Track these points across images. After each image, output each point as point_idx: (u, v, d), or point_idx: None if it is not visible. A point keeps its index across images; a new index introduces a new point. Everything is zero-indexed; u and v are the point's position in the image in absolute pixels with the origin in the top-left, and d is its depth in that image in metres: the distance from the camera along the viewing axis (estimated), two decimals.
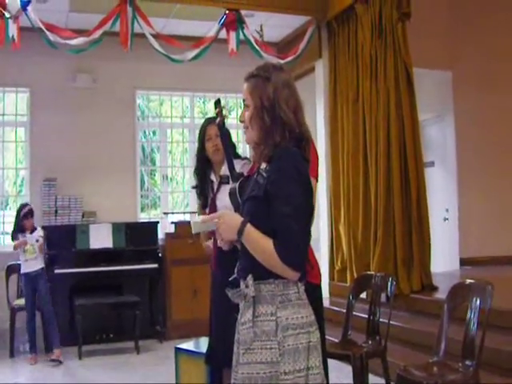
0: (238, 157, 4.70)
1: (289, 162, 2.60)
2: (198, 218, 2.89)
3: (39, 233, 7.79)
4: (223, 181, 4.51)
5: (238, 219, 2.62)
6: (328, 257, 9.12)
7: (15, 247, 7.68)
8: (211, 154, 4.71)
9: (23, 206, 7.90)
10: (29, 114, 9.27)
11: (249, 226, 2.57)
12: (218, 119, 4.56)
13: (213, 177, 4.72)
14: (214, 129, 4.68)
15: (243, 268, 2.66)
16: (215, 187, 4.67)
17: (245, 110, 2.76)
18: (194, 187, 4.84)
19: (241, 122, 2.80)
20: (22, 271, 7.76)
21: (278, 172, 2.58)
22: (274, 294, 2.56)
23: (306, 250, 2.57)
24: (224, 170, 4.62)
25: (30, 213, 7.77)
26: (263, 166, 2.70)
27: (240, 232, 2.57)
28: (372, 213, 7.96)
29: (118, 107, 9.46)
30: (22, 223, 7.72)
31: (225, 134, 4.61)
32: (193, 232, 2.78)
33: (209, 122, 4.81)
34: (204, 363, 4.89)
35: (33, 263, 7.71)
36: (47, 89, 9.10)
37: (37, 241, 7.68)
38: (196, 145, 4.96)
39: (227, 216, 2.67)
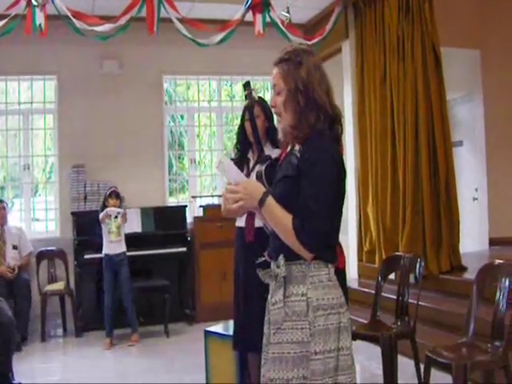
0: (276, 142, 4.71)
1: (322, 144, 2.66)
2: (228, 161, 2.92)
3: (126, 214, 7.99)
4: (259, 160, 4.58)
5: (261, 189, 2.68)
6: (356, 238, 9.15)
7: (101, 220, 7.89)
8: (249, 133, 4.78)
9: (109, 188, 8.17)
10: (57, 101, 9.35)
11: (270, 198, 2.62)
12: (247, 101, 4.63)
13: (250, 155, 4.79)
14: (256, 110, 4.75)
15: (274, 249, 2.71)
16: (251, 165, 4.74)
17: (275, 96, 2.80)
18: (232, 159, 4.89)
19: (272, 107, 2.85)
20: (105, 252, 7.92)
21: (311, 153, 2.63)
22: (305, 275, 2.61)
23: (325, 233, 2.59)
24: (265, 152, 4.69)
25: (114, 193, 7.99)
26: (297, 147, 2.74)
27: (262, 201, 2.62)
28: (400, 194, 7.96)
29: (145, 92, 9.52)
30: (107, 202, 7.96)
31: (254, 116, 4.68)
32: (215, 166, 2.82)
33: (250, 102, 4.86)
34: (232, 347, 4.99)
35: (116, 246, 7.91)
36: (74, 76, 9.17)
37: (116, 217, 7.86)
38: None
39: (249, 185, 2.72)
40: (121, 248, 7.95)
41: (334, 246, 2.74)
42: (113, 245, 7.91)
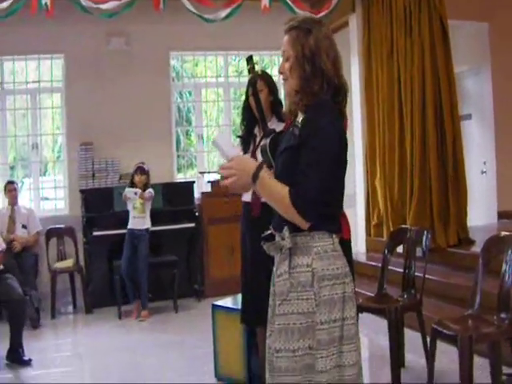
0: (281, 116, 4.72)
1: (324, 114, 2.66)
2: (223, 137, 2.93)
3: (149, 192, 8.07)
4: (266, 134, 4.59)
5: (252, 164, 2.68)
6: (364, 212, 9.17)
7: (123, 199, 8.06)
8: (254, 108, 4.78)
9: (136, 164, 8.27)
10: (64, 80, 9.36)
11: (264, 172, 2.63)
12: (251, 75, 4.63)
13: (256, 130, 4.79)
14: (259, 84, 4.75)
15: (279, 221, 2.71)
16: (257, 140, 4.75)
17: (284, 62, 2.82)
18: (238, 136, 4.91)
19: (280, 73, 2.86)
20: (128, 227, 8.03)
21: (312, 122, 2.65)
22: (310, 246, 2.63)
23: (320, 201, 2.58)
24: (269, 125, 4.69)
25: (139, 169, 8.10)
26: (299, 118, 2.76)
27: (255, 176, 2.61)
28: (408, 167, 7.96)
29: (152, 69, 9.50)
30: (133, 178, 8.10)
31: (257, 91, 4.68)
32: (212, 141, 2.84)
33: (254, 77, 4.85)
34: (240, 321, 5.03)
35: (140, 221, 8.02)
36: (82, 54, 9.16)
37: (135, 193, 7.95)
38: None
39: (241, 161, 2.70)
40: (144, 224, 8.05)
41: (337, 216, 2.75)
42: (136, 220, 8.02)
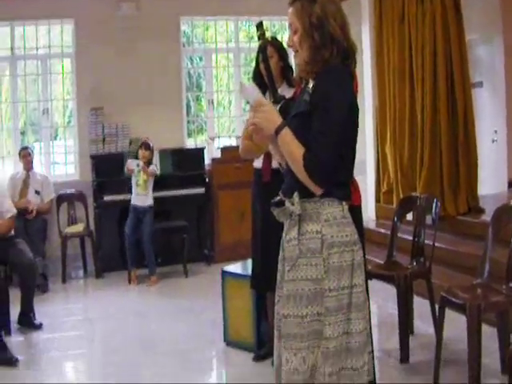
0: (292, 81, 4.69)
1: (335, 79, 2.65)
2: (250, 84, 2.92)
3: (152, 168, 8.13)
4: (276, 100, 4.55)
5: (279, 117, 2.66)
6: (374, 179, 9.14)
7: (127, 172, 8.17)
8: (264, 75, 4.74)
9: (141, 139, 8.40)
10: (74, 45, 9.28)
11: (287, 129, 2.62)
12: (260, 41, 4.59)
13: (267, 96, 4.74)
14: (269, 50, 4.71)
15: (289, 187, 2.71)
16: None
17: (292, 34, 2.78)
18: (248, 103, 4.88)
19: (289, 46, 2.83)
20: (132, 203, 8.09)
21: (322, 88, 2.63)
22: (320, 212, 2.62)
23: (332, 166, 2.58)
24: (280, 90, 4.66)
25: (144, 144, 8.15)
26: (310, 84, 2.73)
27: (278, 130, 2.61)
28: (418, 134, 7.92)
29: (162, 34, 9.42)
30: (137, 153, 8.16)
31: (267, 57, 4.65)
32: (239, 91, 2.85)
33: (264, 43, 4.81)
34: (250, 286, 5.05)
35: (142, 199, 8.07)
36: (92, 19, 9.07)
37: (137, 165, 8.00)
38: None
39: (271, 109, 2.71)
40: (147, 201, 8.08)
41: (347, 183, 2.73)
42: (139, 197, 8.06)
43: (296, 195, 2.62)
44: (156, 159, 8.65)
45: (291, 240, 2.66)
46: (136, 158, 8.13)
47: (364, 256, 2.76)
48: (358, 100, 2.77)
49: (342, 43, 2.69)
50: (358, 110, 2.73)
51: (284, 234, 2.75)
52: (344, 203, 2.67)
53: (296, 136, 2.61)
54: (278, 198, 2.78)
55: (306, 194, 2.61)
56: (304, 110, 2.66)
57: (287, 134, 2.61)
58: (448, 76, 7.58)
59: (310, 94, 2.66)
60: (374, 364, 2.98)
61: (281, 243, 2.79)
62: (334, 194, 2.63)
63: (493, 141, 9.63)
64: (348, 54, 2.73)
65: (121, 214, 8.43)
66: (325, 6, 2.68)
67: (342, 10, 2.76)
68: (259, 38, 4.65)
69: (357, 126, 2.74)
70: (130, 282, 8.00)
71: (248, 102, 3.02)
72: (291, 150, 2.61)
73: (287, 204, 2.68)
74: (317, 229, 2.61)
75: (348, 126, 2.65)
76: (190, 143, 9.98)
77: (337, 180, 2.63)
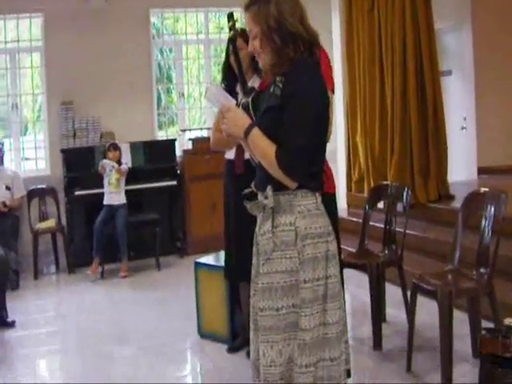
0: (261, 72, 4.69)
1: (305, 73, 2.65)
2: (216, 88, 2.94)
3: (124, 167, 8.16)
4: (246, 92, 4.53)
5: (246, 120, 2.69)
6: (345, 168, 9.21)
7: (100, 171, 8.06)
8: (234, 67, 4.72)
9: (108, 141, 8.46)
10: (43, 39, 9.19)
11: (256, 129, 2.63)
12: (231, 33, 4.58)
13: (238, 88, 4.72)
14: (239, 42, 4.69)
15: (261, 180, 2.72)
16: (239, 99, 4.69)
17: (252, 40, 2.76)
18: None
19: (251, 52, 2.82)
20: (105, 202, 8.08)
21: (293, 82, 2.62)
22: (293, 205, 2.63)
23: (306, 160, 2.60)
24: (251, 82, 4.65)
25: (112, 146, 8.20)
26: (278, 78, 2.71)
27: (247, 133, 2.63)
28: (388, 123, 7.98)
29: (132, 26, 9.37)
30: (106, 155, 8.15)
31: (237, 49, 4.64)
32: (205, 96, 2.87)
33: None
34: (224, 277, 5.06)
35: (115, 197, 8.08)
36: (61, 12, 8.96)
37: (112, 167, 8.00)
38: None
39: (237, 113, 2.73)
40: (120, 199, 8.09)
41: (320, 173, 2.75)
42: (111, 196, 8.06)
43: (269, 188, 2.63)
44: (127, 152, 8.62)
45: (265, 233, 2.67)
46: (104, 157, 8.15)
47: (339, 244, 2.78)
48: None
49: (305, 37, 2.68)
50: (329, 100, 2.75)
51: (257, 228, 2.77)
52: (317, 194, 2.69)
53: (268, 131, 2.62)
54: (250, 189, 2.79)
55: (279, 187, 2.63)
56: (274, 104, 2.64)
57: (257, 135, 2.63)
58: (417, 64, 7.63)
59: (281, 88, 2.65)
60: (349, 353, 3.00)
61: (254, 237, 2.80)
62: (307, 185, 2.65)
63: (462, 128, 9.71)
64: (312, 44, 2.72)
65: (92, 208, 8.35)
66: (279, 3, 2.66)
67: (299, 3, 2.74)
68: (230, 30, 4.64)
69: (328, 116, 2.76)
70: (102, 274, 7.97)
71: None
72: (263, 150, 2.62)
73: (260, 198, 2.70)
74: (290, 221, 2.63)
75: (319, 118, 2.65)
76: (161, 135, 9.96)
77: (310, 171, 2.65)
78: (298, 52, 2.67)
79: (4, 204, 7.96)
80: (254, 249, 2.79)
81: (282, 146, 2.56)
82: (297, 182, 2.60)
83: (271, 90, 2.73)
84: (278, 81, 2.70)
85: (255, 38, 2.73)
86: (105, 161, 8.04)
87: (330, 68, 4.01)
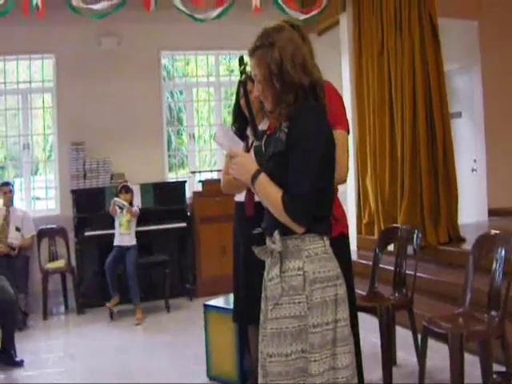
0: None
1: (307, 116, 2.66)
2: (224, 130, 2.98)
3: (135, 209, 8.17)
4: (257, 137, 4.55)
5: (253, 165, 2.71)
6: (355, 210, 9.19)
7: (111, 212, 8.09)
8: (245, 110, 4.74)
9: (120, 183, 8.43)
10: (55, 80, 9.32)
11: (262, 175, 2.66)
12: (243, 76, 4.62)
13: (249, 131, 4.76)
14: (249, 85, 4.72)
15: (269, 224, 2.73)
16: (250, 142, 4.72)
17: (257, 85, 2.80)
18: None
19: (255, 98, 2.87)
20: (115, 243, 8.08)
21: (298, 127, 2.64)
22: (301, 249, 2.64)
23: (313, 205, 2.61)
24: (261, 126, 4.67)
25: (124, 188, 8.21)
26: (284, 123, 2.74)
27: (253, 179, 2.66)
28: (398, 165, 7.98)
29: (143, 68, 9.49)
30: (117, 197, 8.14)
31: (247, 92, 4.67)
32: (213, 139, 2.88)
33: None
34: (232, 320, 5.04)
35: (126, 238, 8.09)
36: (73, 54, 9.12)
37: (121, 208, 8.01)
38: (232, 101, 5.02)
39: (244, 158, 2.76)
40: (130, 241, 8.09)
41: (327, 217, 2.76)
42: (122, 237, 8.08)
43: (277, 233, 2.65)
44: (137, 193, 8.66)
45: (273, 278, 2.68)
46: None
47: (353, 285, 2.77)
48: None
49: (306, 83, 2.70)
50: (335, 143, 2.75)
51: (266, 273, 2.77)
52: (325, 238, 2.70)
53: (274, 176, 2.65)
54: (259, 229, 2.81)
55: (287, 231, 2.64)
56: (281, 149, 2.67)
57: (263, 181, 2.66)
58: (427, 106, 7.67)
59: (286, 132, 2.68)
60: None
61: (263, 282, 2.81)
62: (315, 229, 2.66)
63: (472, 170, 9.73)
64: (315, 89, 2.74)
65: (102, 249, 8.40)
66: (282, 48, 2.69)
67: (301, 46, 2.75)
68: (241, 73, 4.68)
69: (334, 159, 2.76)
70: (111, 315, 7.96)
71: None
72: (269, 196, 2.65)
73: (268, 242, 2.71)
74: (299, 265, 2.63)
75: (324, 162, 2.66)
76: (172, 177, 10.01)
77: (317, 215, 2.66)
78: (300, 98, 2.69)
79: (12, 247, 8.01)
80: (263, 294, 2.80)
81: (287, 192, 2.58)
82: (304, 227, 2.61)
83: (277, 135, 2.76)
84: (284, 126, 2.72)
85: (260, 83, 2.77)
86: (116, 199, 8.06)
87: (341, 108, 3.94)
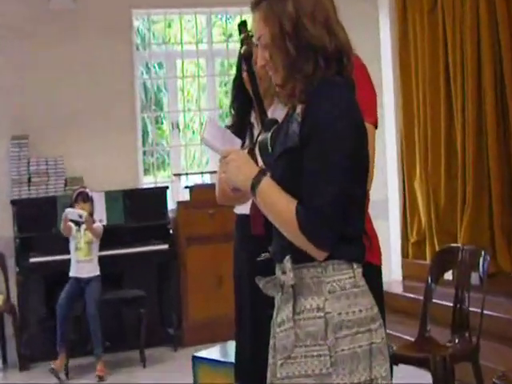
0: None
1: (327, 99, 2.58)
2: (212, 124, 2.95)
3: (98, 225, 8.11)
4: (264, 126, 4.46)
5: (253, 166, 2.68)
6: (400, 225, 9.18)
7: (63, 230, 7.95)
8: (249, 89, 4.70)
9: (76, 189, 8.33)
10: None
11: (267, 180, 2.59)
12: (244, 48, 4.60)
13: (253, 118, 4.69)
14: (255, 56, 4.69)
15: (278, 247, 2.69)
16: (255, 133, 4.63)
17: (262, 50, 2.74)
18: (227, 127, 4.74)
19: (261, 68, 2.81)
20: (71, 274, 8.02)
21: (313, 113, 2.57)
22: (321, 281, 2.58)
23: (338, 222, 2.52)
24: (271, 112, 4.59)
25: (80, 195, 8.09)
26: (298, 109, 2.67)
27: (254, 186, 2.59)
28: (459, 164, 7.99)
29: (107, 34, 9.41)
30: (72, 207, 8.01)
31: (253, 66, 4.65)
32: (201, 136, 2.85)
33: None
34: (234, 379, 5.03)
35: (86, 267, 8.02)
36: (12, 18, 9.07)
37: (78, 224, 7.93)
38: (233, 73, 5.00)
39: (240, 158, 2.72)
40: (92, 270, 8.03)
41: (358, 236, 2.69)
42: (80, 265, 8.02)
43: (288, 259, 2.58)
44: (101, 204, 8.63)
45: (284, 322, 2.62)
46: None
47: (385, 335, 2.74)
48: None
49: (329, 48, 2.63)
50: (366, 134, 2.69)
51: (274, 315, 2.73)
52: (355, 265, 2.64)
53: (284, 182, 2.59)
54: (267, 254, 2.77)
55: (302, 258, 2.57)
56: (293, 145, 2.59)
57: (268, 188, 2.60)
58: (497, 84, 7.66)
59: (300, 122, 2.60)
60: None
61: (271, 326, 2.77)
62: (341, 253, 2.59)
63: None
64: (341, 57, 2.67)
65: (54, 282, 8.38)
66: (299, 1, 2.62)
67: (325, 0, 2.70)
68: (242, 43, 4.66)
69: (367, 157, 2.70)
70: (58, 377, 7.83)
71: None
72: (277, 208, 2.58)
73: (277, 272, 2.67)
74: (318, 304, 2.57)
75: (353, 160, 2.57)
76: (148, 182, 10.00)
77: (344, 235, 2.59)
78: (320, 68, 2.61)
79: None
80: (271, 343, 2.76)
81: (303, 203, 2.51)
82: (326, 251, 2.54)
83: (287, 126, 2.71)
84: (297, 113, 2.65)
85: (266, 47, 2.71)
86: (69, 210, 7.91)
87: (371, 93, 3.91)
